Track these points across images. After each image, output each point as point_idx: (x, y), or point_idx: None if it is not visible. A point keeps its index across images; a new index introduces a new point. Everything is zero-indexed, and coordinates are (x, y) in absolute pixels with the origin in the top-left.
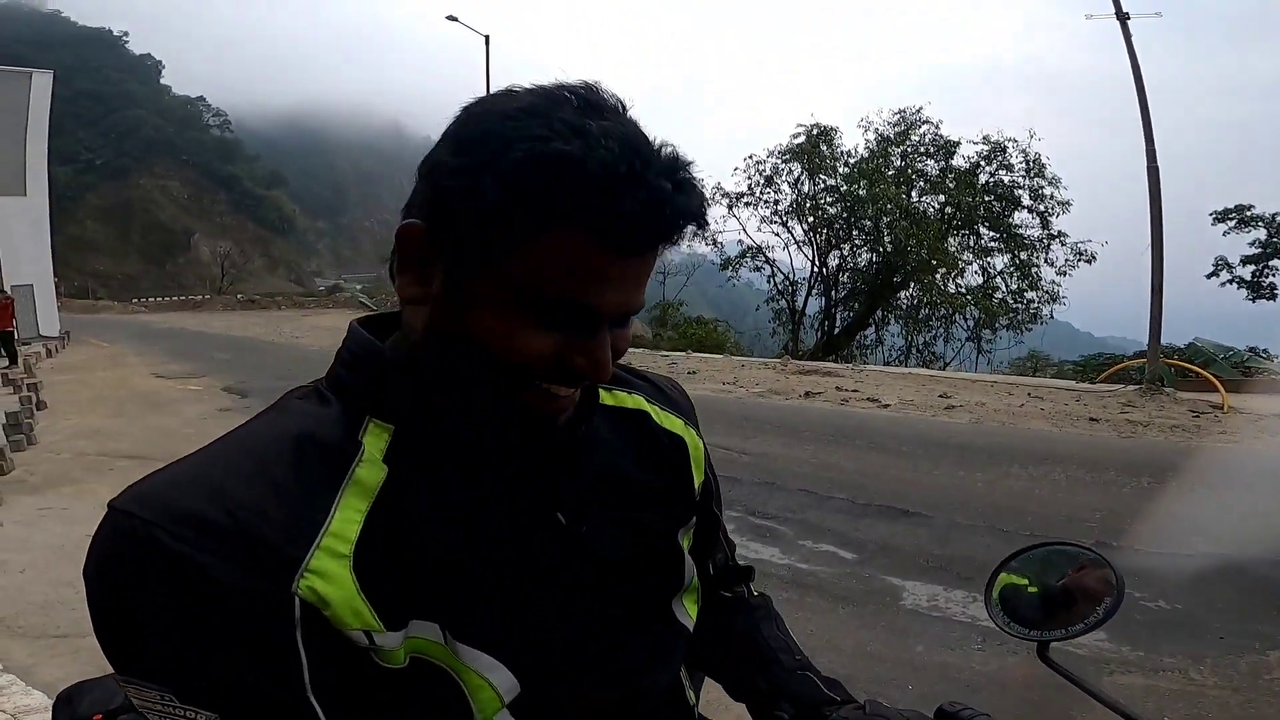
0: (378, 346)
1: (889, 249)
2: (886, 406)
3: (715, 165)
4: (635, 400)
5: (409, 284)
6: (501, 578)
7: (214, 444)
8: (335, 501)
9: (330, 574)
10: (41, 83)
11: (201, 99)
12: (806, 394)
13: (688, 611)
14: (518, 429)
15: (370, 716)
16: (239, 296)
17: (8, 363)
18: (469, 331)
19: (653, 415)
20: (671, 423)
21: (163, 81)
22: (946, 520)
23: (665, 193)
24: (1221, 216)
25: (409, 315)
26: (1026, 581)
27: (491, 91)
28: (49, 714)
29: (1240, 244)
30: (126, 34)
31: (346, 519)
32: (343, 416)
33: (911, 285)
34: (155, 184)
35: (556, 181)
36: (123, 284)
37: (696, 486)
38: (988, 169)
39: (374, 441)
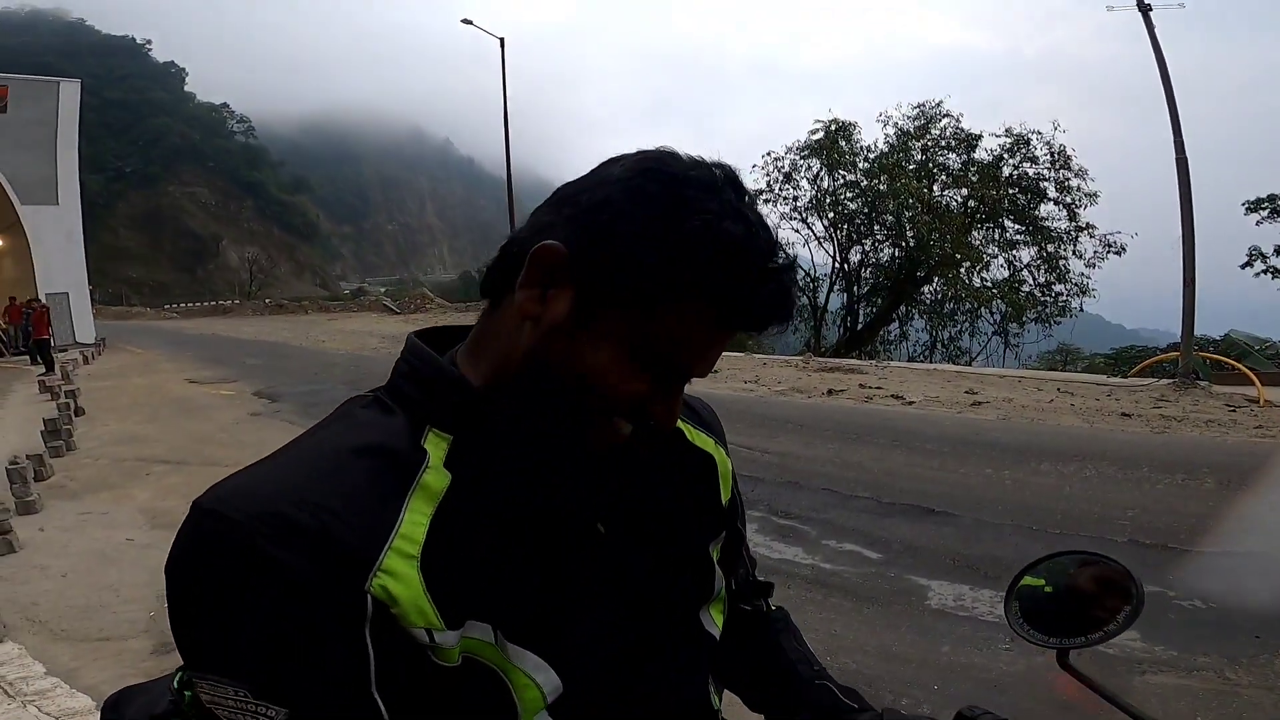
0: (438, 360)
1: (911, 243)
2: (911, 404)
3: (731, 162)
4: None
5: (531, 300)
6: (548, 583)
7: (287, 449)
8: (404, 505)
9: (400, 574)
10: (70, 91)
11: (225, 105)
12: (829, 392)
13: (715, 621)
14: (575, 451)
15: (423, 714)
16: (267, 301)
17: (45, 370)
18: (578, 356)
19: (685, 433)
20: (703, 441)
21: (187, 89)
22: (973, 519)
23: (788, 287)
24: (1254, 206)
25: (505, 328)
26: (1046, 588)
27: (658, 148)
28: (94, 717)
29: (1274, 234)
30: (150, 42)
31: (414, 522)
32: (407, 426)
33: (935, 279)
34: (183, 191)
35: (719, 258)
36: (155, 290)
37: (724, 503)
38: (1011, 161)
39: (435, 449)
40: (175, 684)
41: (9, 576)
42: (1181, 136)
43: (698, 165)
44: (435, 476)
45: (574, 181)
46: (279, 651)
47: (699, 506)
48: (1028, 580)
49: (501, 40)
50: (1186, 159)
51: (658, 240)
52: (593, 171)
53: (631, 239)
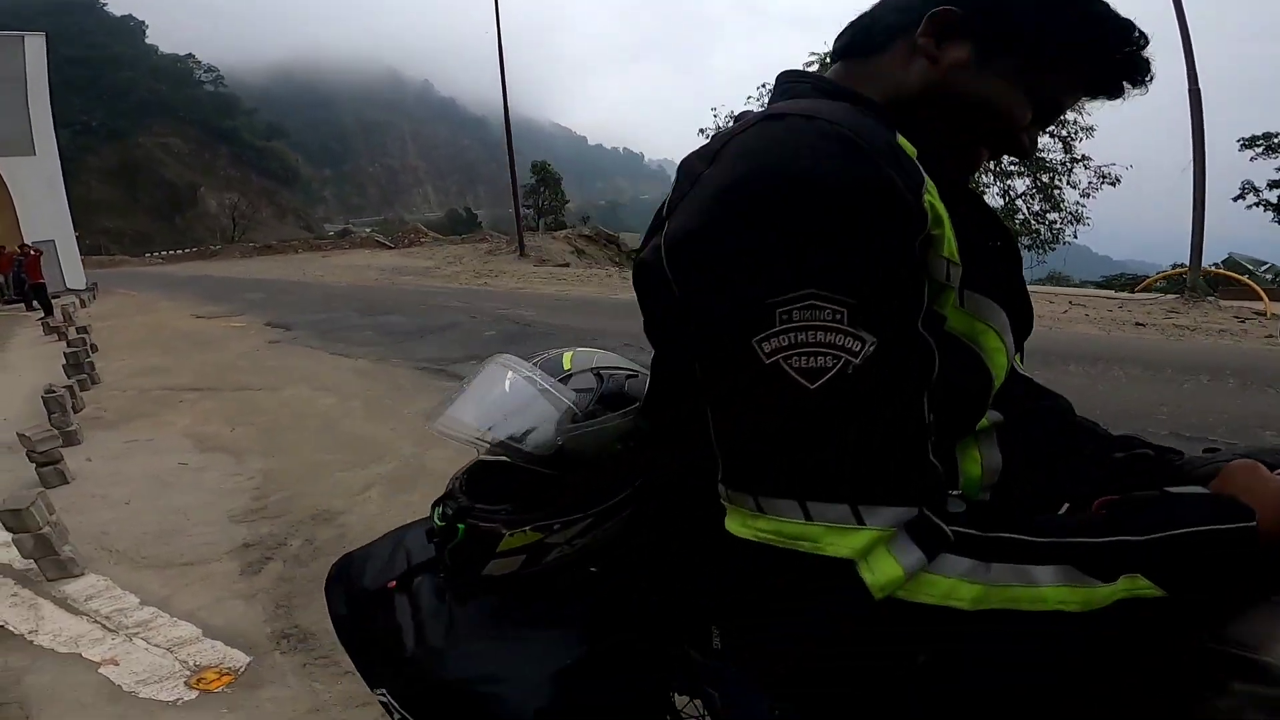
0: (832, 79)
1: None
2: None
3: (719, 101)
4: None
5: (930, 46)
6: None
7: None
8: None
9: (935, 194)
10: (35, 44)
11: (191, 56)
12: None
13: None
14: (959, 168)
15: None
16: (253, 244)
17: (44, 314)
18: (976, 85)
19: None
20: (991, 205)
21: (149, 42)
22: None
23: (1150, 64)
24: (1249, 143)
25: (892, 68)
26: None
27: None
28: (203, 644)
29: (1268, 169)
30: None
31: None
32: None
33: None
34: (155, 142)
35: (1111, 32)
36: (135, 240)
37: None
38: None
39: None
40: (437, 519)
41: (69, 507)
42: (1195, 69)
43: None
44: (904, 141)
45: None
46: (878, 260)
47: (1005, 253)
48: None
49: None
50: (1199, 90)
51: (1060, 13)
52: None
53: (1035, 13)
